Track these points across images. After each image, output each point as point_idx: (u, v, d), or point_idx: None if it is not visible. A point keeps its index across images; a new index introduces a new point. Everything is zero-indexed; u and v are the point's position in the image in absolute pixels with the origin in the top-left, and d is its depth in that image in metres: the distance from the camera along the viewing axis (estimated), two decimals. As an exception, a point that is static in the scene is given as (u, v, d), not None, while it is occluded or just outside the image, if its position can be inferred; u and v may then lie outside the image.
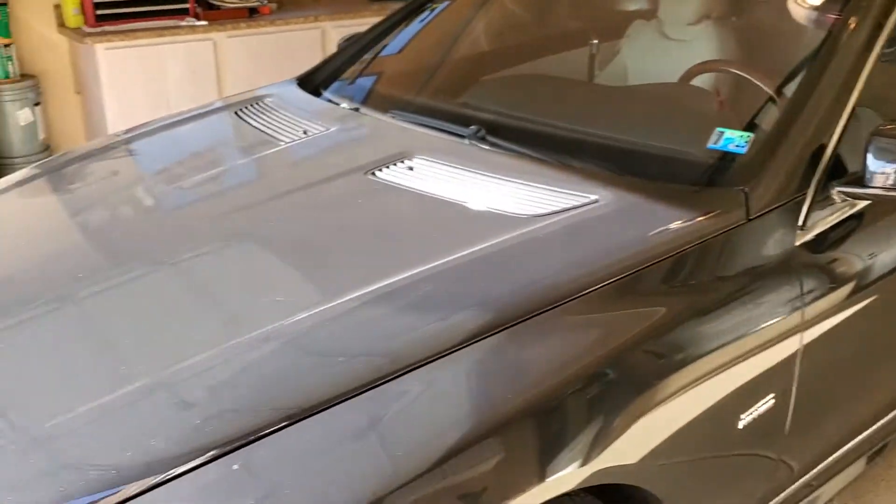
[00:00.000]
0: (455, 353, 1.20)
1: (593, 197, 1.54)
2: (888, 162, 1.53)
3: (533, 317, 1.26)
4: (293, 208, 1.69)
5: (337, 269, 1.44)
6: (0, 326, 1.38)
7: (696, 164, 1.68)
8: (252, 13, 4.48)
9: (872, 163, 1.55)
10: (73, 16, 4.24)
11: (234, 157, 2.00)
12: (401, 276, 1.34)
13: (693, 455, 1.43)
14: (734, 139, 1.67)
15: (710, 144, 1.68)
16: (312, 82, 2.46)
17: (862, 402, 1.86)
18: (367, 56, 2.56)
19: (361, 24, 4.45)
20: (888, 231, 1.74)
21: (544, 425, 1.18)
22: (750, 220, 1.50)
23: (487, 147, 1.83)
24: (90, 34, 4.13)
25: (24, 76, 4.34)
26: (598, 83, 2.37)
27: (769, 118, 1.75)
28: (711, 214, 1.49)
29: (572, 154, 1.76)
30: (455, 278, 1.36)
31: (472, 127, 1.88)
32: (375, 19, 2.79)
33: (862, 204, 1.65)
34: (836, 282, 1.61)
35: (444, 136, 1.91)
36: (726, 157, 1.65)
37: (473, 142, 1.85)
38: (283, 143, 1.96)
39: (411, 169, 1.75)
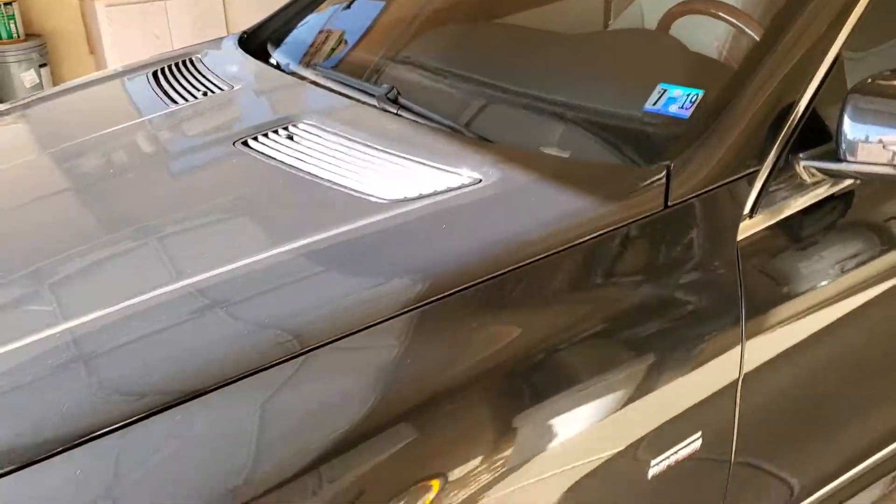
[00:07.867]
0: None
1: (477, 176, 1.22)
2: (869, 126, 1.14)
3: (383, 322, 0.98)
4: (143, 182, 1.42)
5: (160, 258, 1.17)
6: None
7: (625, 132, 1.32)
8: (264, -38, 4.20)
9: (850, 128, 1.16)
10: (79, -28, 4.09)
11: (119, 121, 1.73)
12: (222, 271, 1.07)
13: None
14: (679, 98, 1.30)
15: (647, 106, 1.32)
16: (256, 39, 2.24)
17: (847, 428, 1.47)
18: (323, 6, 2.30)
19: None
20: (877, 216, 1.35)
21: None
22: (668, 206, 1.14)
23: (394, 110, 1.52)
24: (93, -9, 3.96)
25: (29, 36, 4.22)
26: (546, 31, 1.99)
27: (727, 69, 1.37)
28: (620, 201, 1.13)
29: (483, 119, 1.44)
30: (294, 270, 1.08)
31: (384, 87, 1.58)
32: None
33: (843, 184, 1.26)
34: (798, 287, 1.22)
35: (354, 95, 1.62)
36: (663, 123, 1.29)
37: (383, 104, 1.55)
38: (171, 107, 1.70)
39: (291, 138, 1.46)
